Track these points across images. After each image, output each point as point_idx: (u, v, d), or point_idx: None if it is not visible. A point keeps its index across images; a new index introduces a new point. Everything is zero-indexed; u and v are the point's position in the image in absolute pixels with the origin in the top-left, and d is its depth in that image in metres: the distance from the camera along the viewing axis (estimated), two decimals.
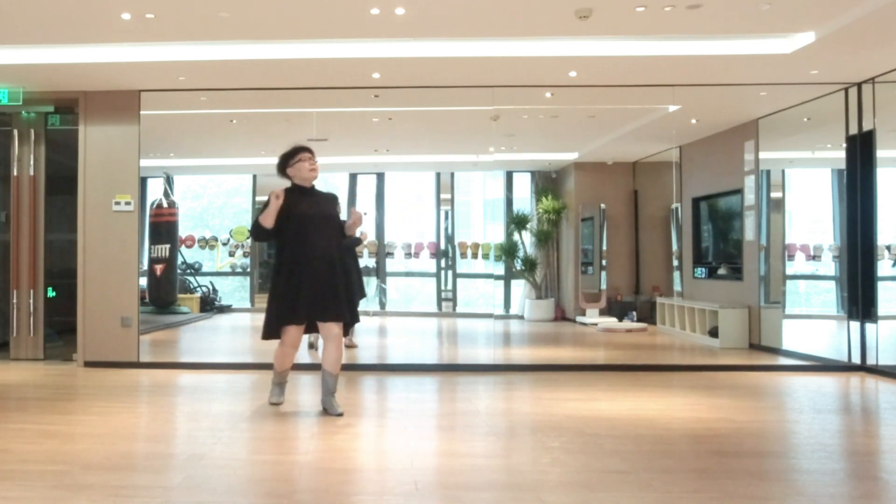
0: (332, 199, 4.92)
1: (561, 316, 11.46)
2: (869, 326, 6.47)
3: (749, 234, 8.06)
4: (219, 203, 12.99)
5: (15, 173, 7.06)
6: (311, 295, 4.56)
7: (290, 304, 4.58)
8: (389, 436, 4.26)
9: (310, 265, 4.56)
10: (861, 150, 6.53)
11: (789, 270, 8.09)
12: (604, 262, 10.93)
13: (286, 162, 4.74)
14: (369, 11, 4.99)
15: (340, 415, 4.62)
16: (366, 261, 11.60)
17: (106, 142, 6.79)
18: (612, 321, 10.38)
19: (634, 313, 10.51)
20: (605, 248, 10.92)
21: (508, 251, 11.60)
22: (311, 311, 4.60)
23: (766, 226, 7.97)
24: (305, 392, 5.76)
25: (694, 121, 8.15)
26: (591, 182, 11.08)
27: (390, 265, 11.81)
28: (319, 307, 4.60)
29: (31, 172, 7.06)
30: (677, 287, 9.74)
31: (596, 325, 10.23)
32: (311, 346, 7.62)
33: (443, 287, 11.79)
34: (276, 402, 4.99)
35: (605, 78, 6.50)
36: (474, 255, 11.91)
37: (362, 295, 7.96)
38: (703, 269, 9.15)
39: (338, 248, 4.71)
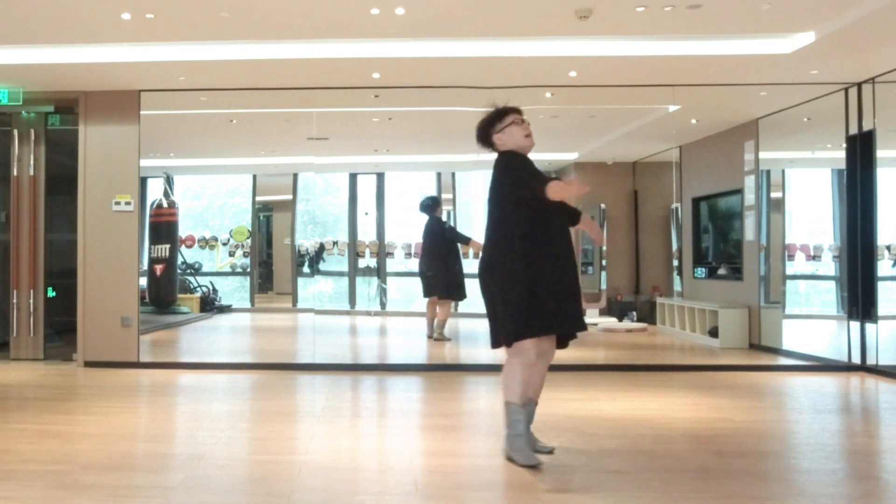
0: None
1: None
2: (869, 326, 6.47)
3: (749, 234, 8.06)
4: (219, 203, 13.00)
5: (15, 173, 7.06)
6: (572, 296, 3.61)
7: (554, 308, 3.51)
8: (389, 436, 4.26)
9: (561, 259, 3.61)
10: (861, 150, 6.52)
11: (789, 270, 8.09)
12: (604, 262, 10.93)
13: (491, 126, 3.79)
14: (369, 11, 4.99)
15: (551, 451, 3.69)
16: (366, 260, 11.60)
17: (106, 142, 6.78)
18: (612, 321, 10.37)
19: (634, 313, 10.50)
20: (604, 248, 10.92)
21: None
22: (577, 317, 3.62)
23: (766, 226, 7.96)
24: (306, 392, 5.77)
25: (694, 121, 8.15)
26: (591, 182, 10.95)
27: (390, 265, 11.80)
28: (578, 313, 3.63)
29: (31, 172, 7.06)
30: (677, 287, 9.74)
31: (596, 325, 10.23)
32: (432, 337, 8.02)
33: None
34: (532, 463, 3.47)
35: (605, 78, 6.49)
36: (476, 255, 11.91)
37: (461, 297, 8.27)
38: (703, 269, 9.15)
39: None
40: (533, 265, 3.53)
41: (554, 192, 3.42)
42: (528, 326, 3.49)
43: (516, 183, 3.62)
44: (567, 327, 3.60)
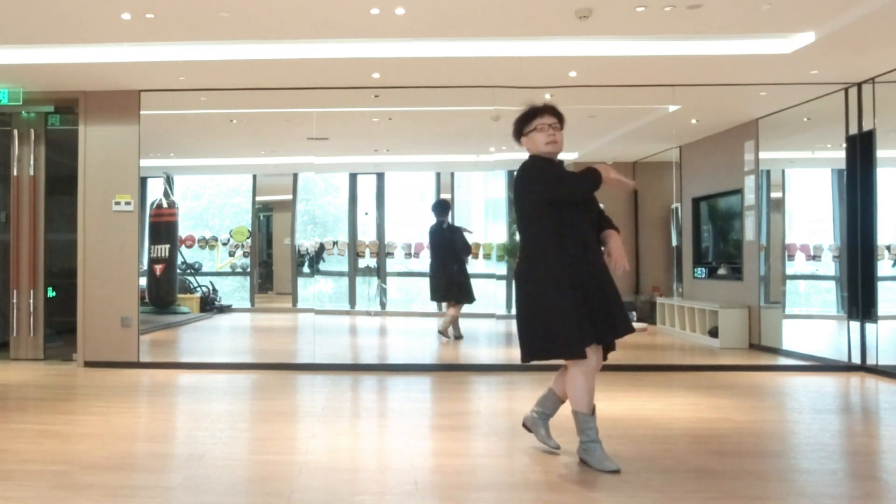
0: None
1: None
2: (869, 326, 6.47)
3: (749, 234, 8.06)
4: (219, 203, 13.00)
5: (15, 173, 7.06)
6: (605, 301, 3.52)
7: (588, 317, 3.46)
8: (389, 436, 4.25)
9: (589, 264, 3.55)
10: (861, 150, 6.53)
11: (789, 270, 8.09)
12: None
13: (521, 127, 3.77)
14: (369, 11, 4.99)
15: (557, 447, 3.76)
16: (366, 260, 11.60)
17: (106, 142, 6.79)
18: None
19: (634, 313, 10.49)
20: (604, 248, 10.90)
21: (511, 251, 11.59)
22: (612, 323, 3.52)
23: (766, 226, 7.96)
24: (306, 392, 5.76)
25: (694, 121, 8.15)
26: None
27: (390, 265, 11.81)
28: (618, 317, 3.53)
29: (31, 172, 7.06)
30: (677, 287, 9.73)
31: None
32: (443, 334, 8.07)
33: None
34: (611, 468, 3.43)
35: (605, 78, 6.49)
36: (475, 256, 11.91)
37: (463, 299, 8.33)
38: (703, 269, 9.15)
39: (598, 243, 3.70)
40: (571, 270, 3.48)
41: (606, 172, 3.66)
42: (580, 335, 3.42)
43: (553, 189, 3.65)
44: (618, 330, 3.53)
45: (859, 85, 6.56)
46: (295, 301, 11.92)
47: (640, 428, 4.35)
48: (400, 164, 11.34)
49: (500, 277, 11.86)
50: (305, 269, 12.03)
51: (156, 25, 5.26)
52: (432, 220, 8.63)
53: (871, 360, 6.45)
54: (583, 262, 3.54)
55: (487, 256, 11.90)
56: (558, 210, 3.58)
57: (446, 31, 5.52)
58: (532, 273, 3.57)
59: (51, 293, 7.15)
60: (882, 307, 6.41)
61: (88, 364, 6.66)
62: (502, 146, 9.73)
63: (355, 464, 3.67)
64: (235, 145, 10.03)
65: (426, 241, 11.74)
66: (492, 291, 11.71)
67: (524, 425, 3.88)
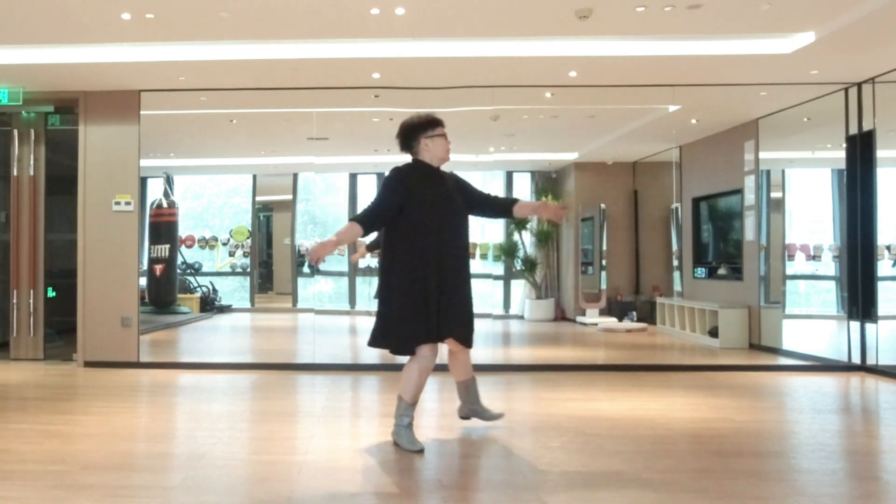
0: (456, 181, 4.02)
1: (561, 316, 11.45)
2: (869, 326, 6.47)
3: (749, 234, 8.06)
4: (219, 203, 13.00)
5: (15, 173, 7.07)
6: (448, 305, 3.79)
7: (426, 319, 3.78)
8: (389, 436, 4.25)
9: (443, 267, 3.78)
10: (861, 150, 6.53)
11: (789, 270, 8.09)
12: (604, 262, 10.93)
13: (423, 131, 3.88)
14: (369, 11, 4.99)
15: (501, 416, 4.24)
16: (366, 260, 11.59)
17: (106, 142, 6.79)
18: (612, 321, 10.37)
19: (634, 313, 10.50)
20: (605, 248, 10.92)
21: (508, 251, 11.60)
22: (450, 325, 3.82)
23: (766, 226, 7.97)
24: (306, 392, 5.76)
25: (694, 121, 8.15)
26: (591, 182, 11.08)
27: None
28: (456, 320, 3.85)
29: (31, 172, 7.06)
30: (677, 287, 9.74)
31: (596, 325, 10.23)
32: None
33: None
34: (415, 447, 3.85)
35: (605, 78, 6.50)
36: (473, 255, 11.92)
37: None
38: (703, 269, 9.15)
39: (466, 247, 3.96)
40: (419, 271, 3.76)
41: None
42: (415, 336, 3.81)
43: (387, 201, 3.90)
44: (442, 334, 3.82)
45: (859, 85, 6.56)
46: (295, 301, 11.93)
47: (640, 428, 4.35)
48: (400, 164, 11.33)
49: (497, 277, 11.87)
50: (305, 269, 12.03)
51: (156, 25, 5.26)
52: None
53: (871, 360, 6.45)
54: (432, 264, 3.76)
55: (484, 256, 11.90)
56: (410, 214, 3.80)
57: (446, 31, 5.52)
58: (391, 267, 3.84)
59: (51, 293, 7.15)
60: (882, 307, 6.41)
61: (88, 364, 6.66)
62: (501, 146, 9.73)
63: (355, 464, 3.67)
64: (235, 145, 10.04)
65: None
66: (489, 291, 11.72)
67: (461, 417, 4.27)
